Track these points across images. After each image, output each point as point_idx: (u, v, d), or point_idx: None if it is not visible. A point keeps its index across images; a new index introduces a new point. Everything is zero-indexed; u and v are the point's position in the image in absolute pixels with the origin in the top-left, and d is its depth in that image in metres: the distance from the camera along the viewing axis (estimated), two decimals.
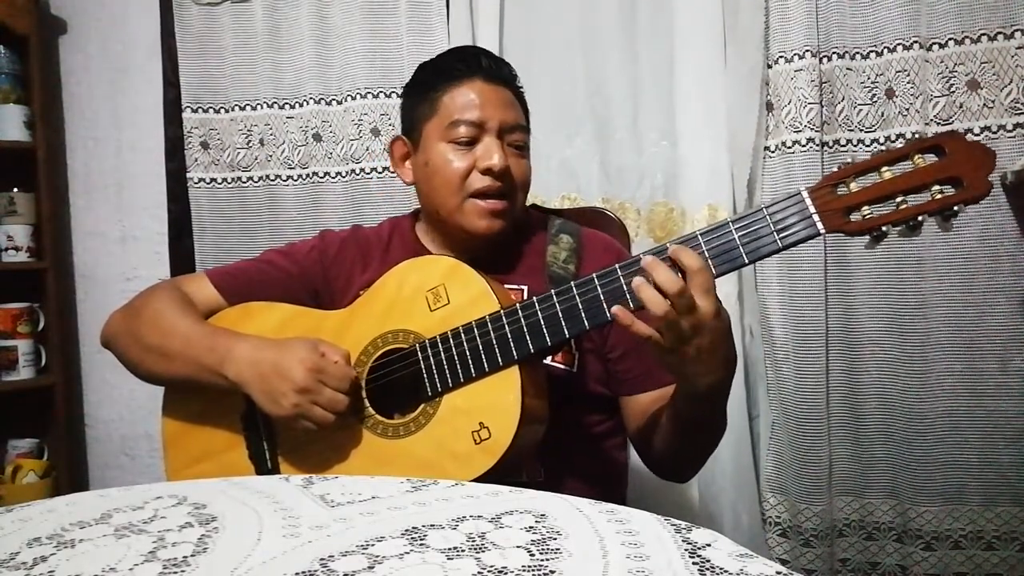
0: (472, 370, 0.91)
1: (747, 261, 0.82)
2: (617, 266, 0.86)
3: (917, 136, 1.47)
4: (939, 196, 0.77)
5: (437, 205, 1.08)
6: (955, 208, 0.77)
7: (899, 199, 0.79)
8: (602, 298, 0.86)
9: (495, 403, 0.90)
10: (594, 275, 0.87)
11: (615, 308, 0.82)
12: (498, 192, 1.05)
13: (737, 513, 1.61)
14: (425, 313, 0.96)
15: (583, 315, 0.87)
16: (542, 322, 0.89)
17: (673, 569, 0.49)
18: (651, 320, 0.80)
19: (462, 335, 0.92)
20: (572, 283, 0.88)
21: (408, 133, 1.13)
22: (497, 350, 0.90)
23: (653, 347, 0.82)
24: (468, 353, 0.92)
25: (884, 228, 0.79)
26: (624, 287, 0.84)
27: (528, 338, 0.89)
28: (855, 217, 0.80)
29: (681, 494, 1.59)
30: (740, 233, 0.82)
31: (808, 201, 0.80)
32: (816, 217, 0.80)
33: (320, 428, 0.94)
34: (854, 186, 0.80)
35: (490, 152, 1.04)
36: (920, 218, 0.78)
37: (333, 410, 0.93)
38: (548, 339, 0.89)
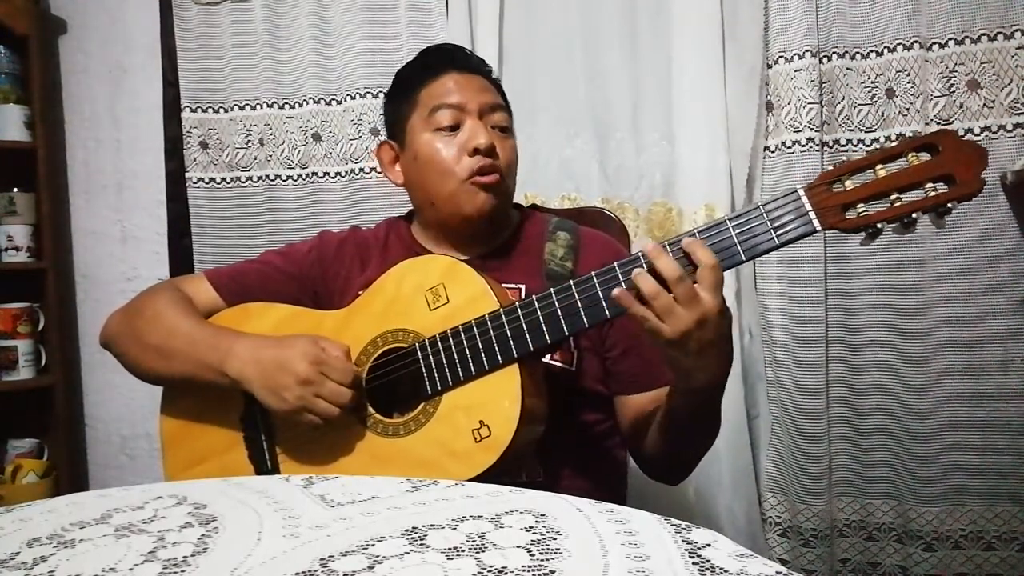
0: (472, 369, 0.91)
1: (744, 259, 0.83)
2: (616, 264, 0.86)
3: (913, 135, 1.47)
4: (932, 193, 0.79)
5: (432, 195, 1.09)
6: (948, 205, 0.78)
7: (893, 196, 0.80)
8: (601, 296, 0.86)
9: (495, 401, 0.90)
10: (593, 273, 0.87)
11: (616, 291, 0.82)
12: (490, 168, 1.05)
13: (735, 513, 1.61)
14: (424, 312, 0.96)
15: (582, 313, 0.87)
16: (541, 320, 0.89)
17: (673, 569, 0.49)
18: (651, 309, 0.80)
19: (462, 334, 0.92)
20: (571, 281, 0.88)
21: (393, 136, 1.16)
22: (497, 348, 0.90)
23: (654, 336, 0.82)
24: (468, 352, 0.92)
25: (879, 225, 0.80)
26: (623, 284, 0.84)
27: (528, 336, 0.89)
28: (850, 214, 0.81)
29: (680, 494, 1.59)
30: (737, 231, 0.82)
31: (804, 199, 0.81)
32: (812, 214, 0.81)
33: (324, 421, 0.94)
34: (849, 184, 0.81)
35: (476, 132, 1.06)
36: (914, 215, 0.79)
37: (336, 402, 0.93)
38: (548, 337, 0.89)
